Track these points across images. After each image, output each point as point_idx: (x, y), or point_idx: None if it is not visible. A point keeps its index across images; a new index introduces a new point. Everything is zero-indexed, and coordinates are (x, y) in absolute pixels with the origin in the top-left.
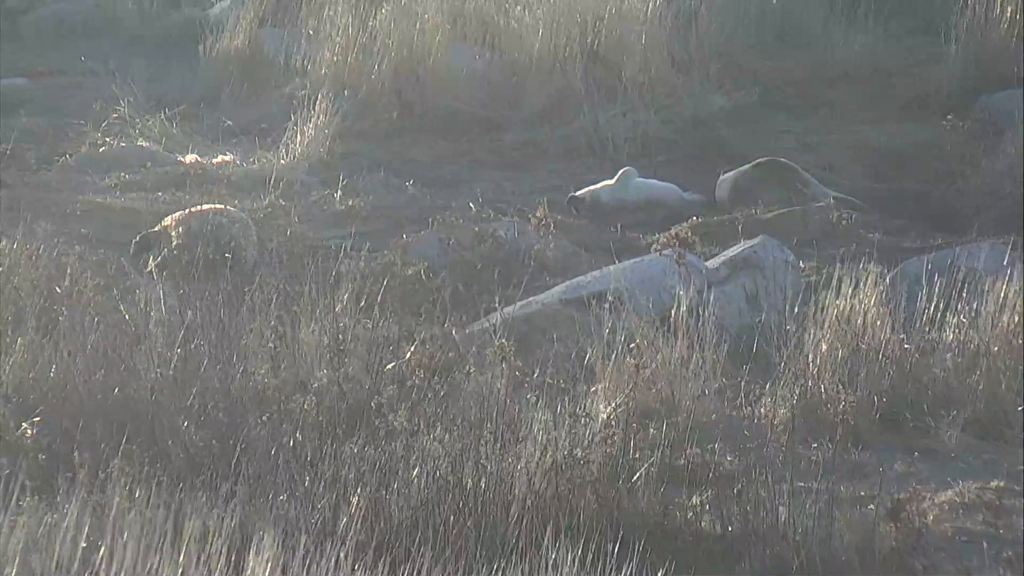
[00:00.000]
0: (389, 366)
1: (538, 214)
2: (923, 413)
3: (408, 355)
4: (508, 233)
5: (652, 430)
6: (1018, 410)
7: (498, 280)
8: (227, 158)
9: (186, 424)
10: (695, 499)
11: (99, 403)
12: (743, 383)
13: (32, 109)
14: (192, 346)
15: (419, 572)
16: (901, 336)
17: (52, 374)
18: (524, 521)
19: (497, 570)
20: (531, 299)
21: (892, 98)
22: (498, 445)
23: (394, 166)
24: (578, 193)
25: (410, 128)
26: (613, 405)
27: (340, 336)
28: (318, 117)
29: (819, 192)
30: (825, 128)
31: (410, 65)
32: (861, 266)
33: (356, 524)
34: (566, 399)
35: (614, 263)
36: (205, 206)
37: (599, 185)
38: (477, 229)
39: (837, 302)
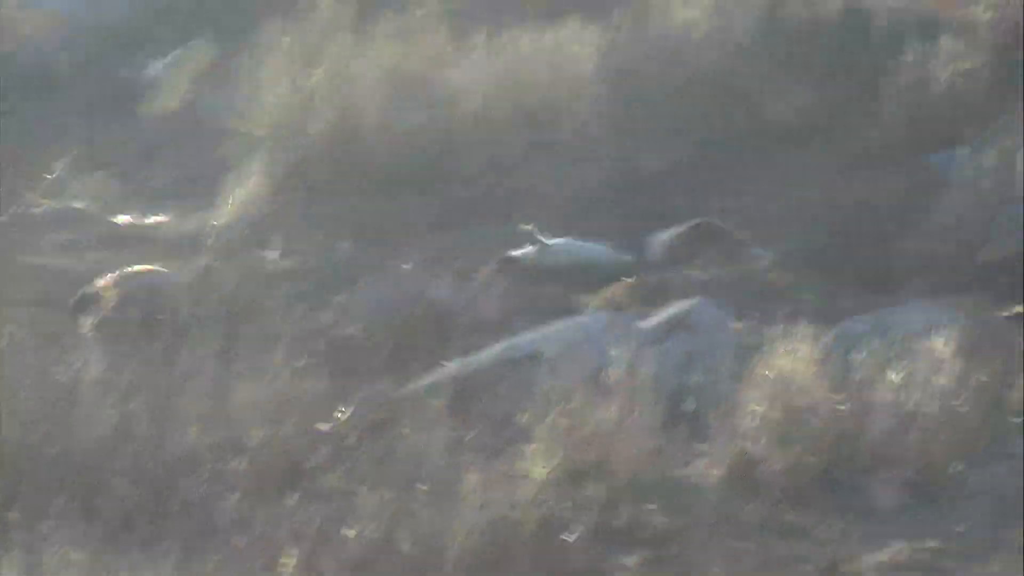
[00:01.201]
0: (325, 426)
1: (474, 274)
2: (859, 473)
3: (344, 415)
4: (444, 293)
5: (587, 490)
6: (956, 470)
7: (434, 340)
8: (162, 218)
9: (121, 483)
10: (631, 560)
11: (34, 462)
12: (678, 443)
13: None
14: (128, 406)
15: None
16: (837, 397)
17: None
18: None
19: None
20: (467, 359)
21: (831, 155)
22: (433, 506)
23: (331, 224)
24: (513, 254)
25: (347, 186)
26: (548, 465)
27: (276, 396)
28: (254, 176)
29: (755, 252)
30: (762, 187)
31: (346, 123)
32: (797, 327)
33: None
34: (502, 459)
35: (549, 324)
36: (139, 267)
37: (534, 246)
38: (413, 288)
39: (773, 363)
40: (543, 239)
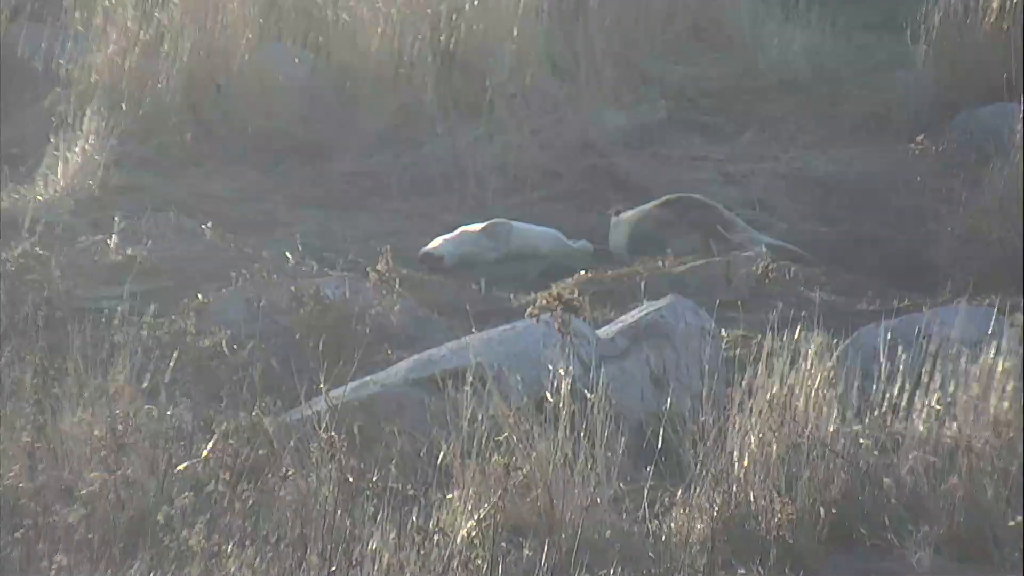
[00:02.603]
0: (181, 466)
1: (378, 267)
2: (883, 528)
3: (206, 452)
4: (338, 292)
5: (527, 550)
6: (1012, 524)
7: (324, 354)
8: None
9: None
10: None
11: None
12: (646, 489)
13: None
14: None
15: None
16: (854, 428)
17: None
18: None
19: None
20: (368, 378)
21: (842, 114)
22: (326, 571)
23: (187, 204)
24: (431, 248)
25: (209, 154)
26: (476, 518)
27: (117, 427)
28: (88, 139)
29: (746, 238)
30: (754, 154)
31: (209, 71)
32: (802, 335)
33: None
34: (415, 510)
35: (476, 332)
36: None
37: (457, 232)
38: (296, 287)
39: (770, 382)
40: (472, 223)
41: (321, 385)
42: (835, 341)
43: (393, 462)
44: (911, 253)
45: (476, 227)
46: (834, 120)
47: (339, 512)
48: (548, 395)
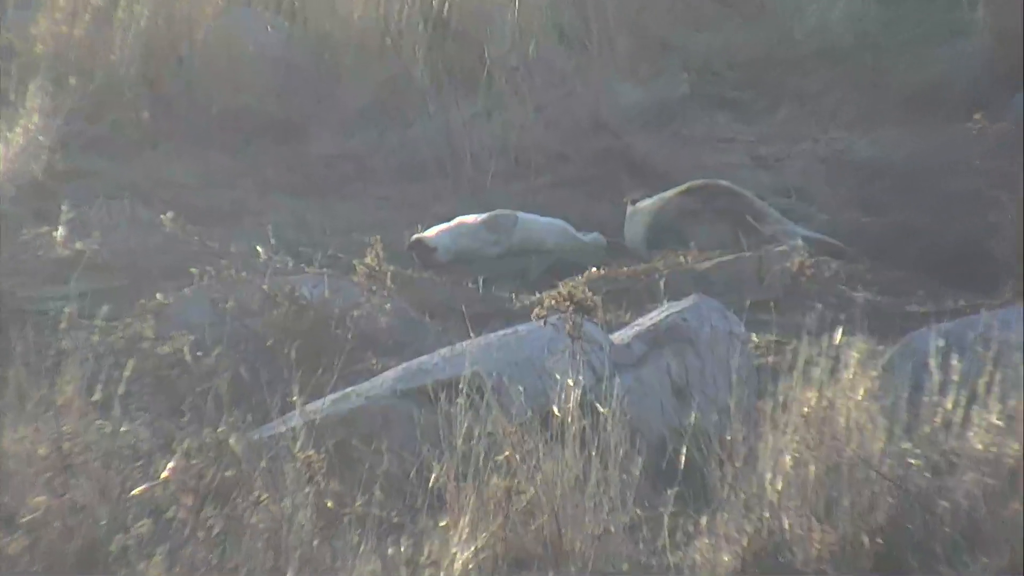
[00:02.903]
0: (137, 490)
1: (367, 262)
2: (936, 559)
3: (166, 474)
4: (316, 291)
5: None
6: None
7: (301, 362)
8: None
9: None
10: None
11: None
12: (667, 516)
13: None
14: None
15: None
16: (903, 446)
17: None
18: None
19: None
20: (351, 390)
21: (889, 89)
22: None
23: (144, 191)
24: (424, 236)
25: (169, 134)
26: (473, 548)
27: (64, 445)
28: (31, 118)
29: (780, 230)
30: (789, 134)
31: (169, 41)
32: (843, 341)
33: None
34: (403, 539)
35: (473, 336)
36: None
37: (454, 223)
38: (269, 286)
39: (807, 394)
40: (469, 213)
41: (294, 398)
42: (881, 347)
43: (378, 485)
44: (967, 247)
45: (475, 218)
46: (880, 95)
47: (317, 541)
48: (555, 408)
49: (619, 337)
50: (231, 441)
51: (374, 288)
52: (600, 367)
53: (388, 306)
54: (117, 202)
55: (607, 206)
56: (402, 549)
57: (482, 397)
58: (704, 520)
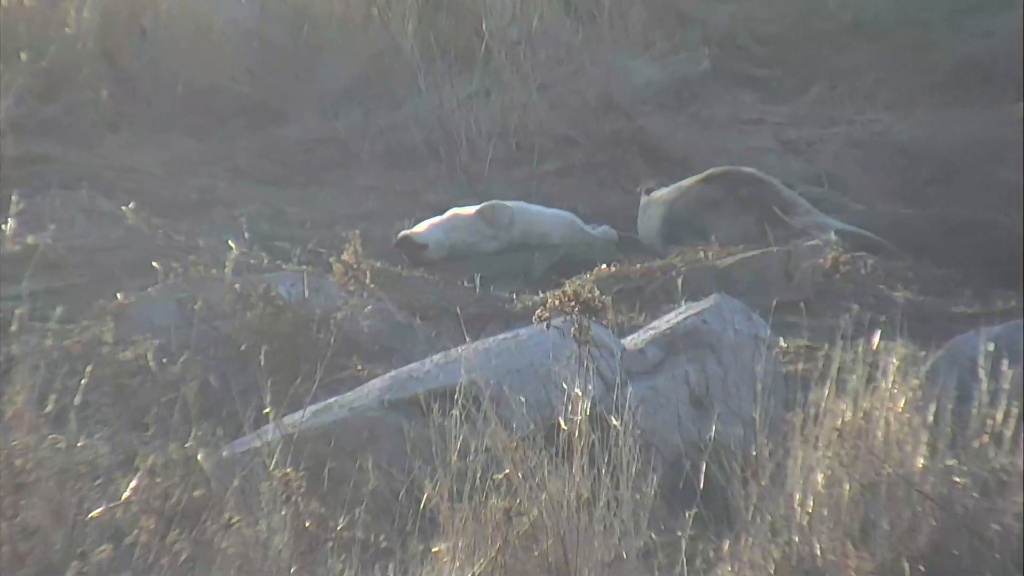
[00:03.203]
0: (96, 512)
1: (344, 259)
2: None
3: (127, 494)
4: (294, 291)
5: None
6: None
7: (277, 369)
8: None
9: None
10: None
11: None
12: (685, 540)
13: None
14: None
15: None
16: (948, 463)
17: None
18: None
19: None
20: (333, 400)
21: (932, 66)
22: None
23: (104, 179)
24: (412, 233)
25: (131, 117)
26: (470, 575)
27: (14, 462)
28: None
29: (811, 222)
30: (822, 115)
31: (130, 12)
32: (881, 345)
33: None
34: (391, 565)
35: (469, 341)
36: None
37: (447, 215)
38: (241, 285)
39: (842, 406)
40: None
41: (268, 410)
42: (923, 353)
43: (363, 505)
44: (1017, 242)
45: (470, 210)
46: (922, 73)
47: (295, 568)
48: (561, 421)
49: (632, 342)
50: (200, 457)
51: (352, 288)
52: (611, 375)
53: (368, 308)
54: (73, 192)
55: (618, 196)
56: None
57: (479, 408)
58: (726, 545)
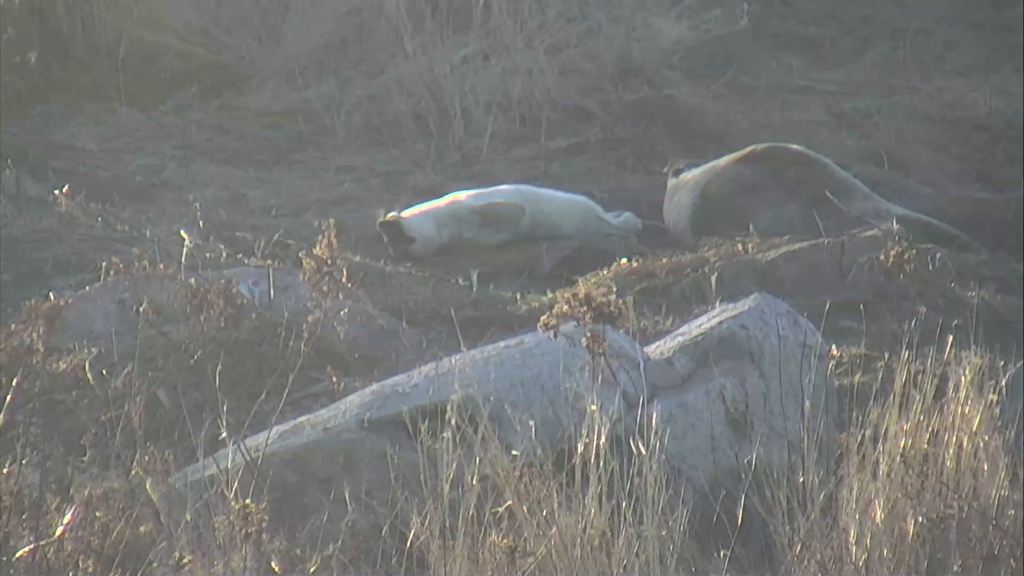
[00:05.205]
0: (23, 550)
1: (316, 252)
2: None
3: (61, 529)
4: (258, 290)
5: None
6: None
7: (238, 382)
8: None
9: None
10: None
11: None
12: None
13: None
14: None
15: None
16: None
17: None
18: None
19: None
20: (304, 419)
21: (1012, 24)
22: None
23: (35, 159)
24: (399, 218)
25: (65, 85)
26: None
27: None
28: None
29: (869, 209)
30: (881, 83)
31: None
32: (952, 355)
33: None
34: None
35: (465, 349)
36: None
37: (444, 201)
38: (196, 282)
39: (906, 426)
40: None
41: (223, 433)
42: (1002, 363)
43: (339, 543)
44: None
45: (469, 195)
46: (1000, 32)
47: None
48: (575, 444)
49: (658, 350)
50: (147, 487)
51: (326, 287)
52: (632, 390)
53: (345, 310)
54: None
55: (641, 178)
56: None
57: (476, 429)
58: None
